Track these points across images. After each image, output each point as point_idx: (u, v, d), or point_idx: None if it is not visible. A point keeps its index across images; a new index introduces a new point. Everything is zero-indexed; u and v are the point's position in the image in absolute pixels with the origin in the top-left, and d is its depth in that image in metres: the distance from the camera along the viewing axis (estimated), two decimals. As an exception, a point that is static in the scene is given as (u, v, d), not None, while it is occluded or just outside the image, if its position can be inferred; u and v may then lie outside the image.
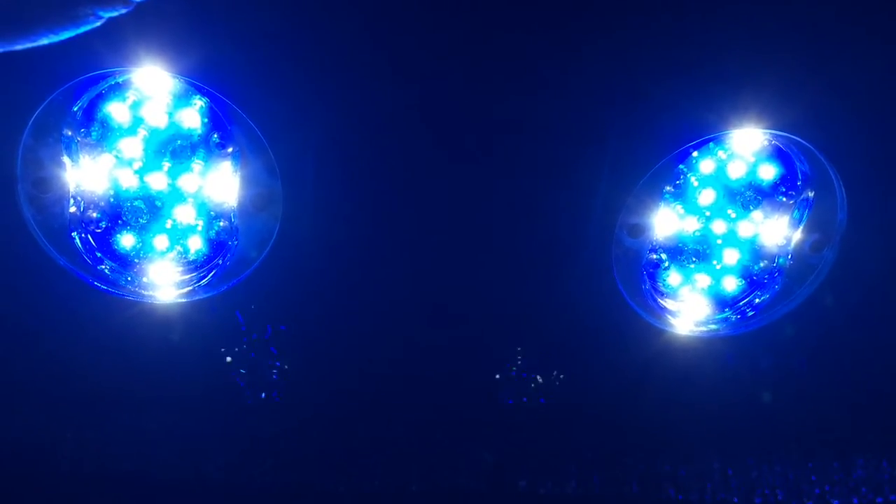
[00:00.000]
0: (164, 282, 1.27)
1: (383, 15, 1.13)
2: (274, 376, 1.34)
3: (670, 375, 1.36)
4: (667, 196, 1.30)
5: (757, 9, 1.13)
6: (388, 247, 1.27)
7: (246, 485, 1.31)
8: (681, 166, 1.29)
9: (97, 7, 0.88)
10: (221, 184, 1.23)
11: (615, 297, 1.30)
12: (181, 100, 1.20)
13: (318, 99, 1.16)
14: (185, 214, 1.24)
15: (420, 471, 1.34)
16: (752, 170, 1.29)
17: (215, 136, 1.22)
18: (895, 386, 1.39)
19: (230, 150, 1.22)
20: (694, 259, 1.35)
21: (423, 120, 1.19)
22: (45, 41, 0.89)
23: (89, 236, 1.24)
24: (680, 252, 1.35)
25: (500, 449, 1.36)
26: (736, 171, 1.29)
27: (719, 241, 1.33)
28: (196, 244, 1.26)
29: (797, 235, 1.32)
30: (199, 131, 1.21)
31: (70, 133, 1.17)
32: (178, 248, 1.26)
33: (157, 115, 1.19)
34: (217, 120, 1.21)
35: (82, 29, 0.90)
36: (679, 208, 1.31)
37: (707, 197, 1.30)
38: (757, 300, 1.36)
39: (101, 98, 1.18)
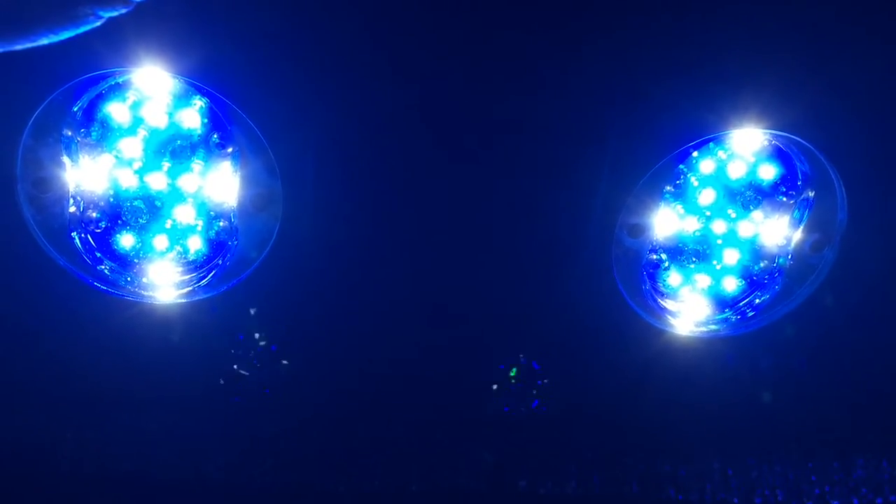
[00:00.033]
0: (164, 282, 1.27)
1: (383, 15, 1.13)
2: (274, 376, 1.34)
3: (670, 376, 1.36)
4: (667, 196, 1.30)
5: (757, 9, 1.13)
6: (388, 247, 1.27)
7: (246, 485, 1.31)
8: (681, 166, 1.29)
9: (97, 7, 0.88)
10: (221, 184, 1.23)
11: (615, 297, 1.30)
12: (181, 100, 1.20)
13: (318, 99, 1.16)
14: (184, 214, 1.24)
15: (420, 471, 1.34)
16: (753, 170, 1.29)
17: (215, 136, 1.22)
18: (895, 386, 1.39)
19: (230, 150, 1.22)
20: (694, 259, 1.35)
21: (423, 120, 1.19)
22: (44, 41, 0.89)
23: (89, 236, 1.24)
24: (680, 252, 1.35)
25: (500, 449, 1.37)
26: (736, 171, 1.29)
27: (719, 242, 1.33)
28: (196, 244, 1.26)
29: (797, 235, 1.32)
30: (199, 131, 1.21)
31: (70, 133, 1.17)
32: (178, 248, 1.26)
33: (156, 116, 1.19)
34: (217, 120, 1.21)
35: (82, 29, 0.90)
36: (679, 208, 1.31)
37: (707, 197, 1.30)
38: (757, 300, 1.36)
39: (101, 98, 1.18)
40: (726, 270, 1.35)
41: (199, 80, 1.14)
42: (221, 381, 1.32)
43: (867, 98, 1.18)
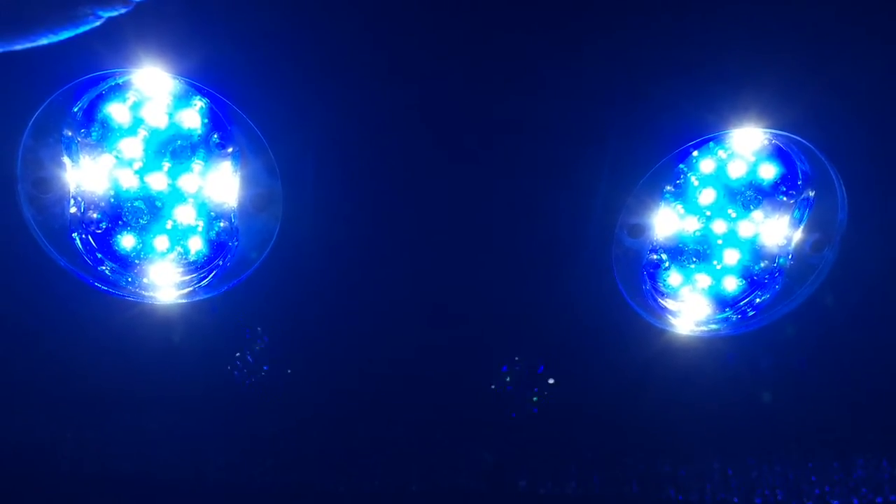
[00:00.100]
0: (165, 282, 1.27)
1: (383, 15, 1.13)
2: (274, 376, 1.34)
3: (670, 375, 1.36)
4: (667, 196, 1.29)
5: (757, 9, 1.13)
6: (388, 247, 1.27)
7: (246, 485, 1.31)
8: (681, 166, 1.29)
9: (97, 7, 0.88)
10: (221, 184, 1.23)
11: (615, 297, 1.30)
12: (181, 100, 1.20)
13: (318, 99, 1.16)
14: (185, 215, 1.24)
15: (420, 471, 1.35)
16: (753, 169, 1.29)
17: (215, 136, 1.22)
18: (895, 386, 1.39)
19: (230, 150, 1.22)
20: (694, 259, 1.35)
21: (423, 120, 1.19)
22: (44, 41, 0.89)
23: (90, 237, 1.24)
24: (680, 252, 1.35)
25: (500, 449, 1.37)
26: (736, 170, 1.29)
27: (720, 241, 1.33)
28: (196, 245, 1.26)
29: (798, 235, 1.32)
30: (199, 132, 1.21)
31: (70, 133, 1.17)
32: (179, 248, 1.26)
33: (157, 116, 1.19)
34: (217, 120, 1.21)
35: (82, 29, 0.90)
36: (679, 208, 1.31)
37: (707, 197, 1.30)
38: (757, 300, 1.36)
39: (101, 99, 1.18)
40: (726, 270, 1.35)
41: (199, 80, 1.14)
42: (221, 382, 1.32)
43: (867, 98, 1.18)
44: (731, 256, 1.33)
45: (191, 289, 1.27)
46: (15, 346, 1.27)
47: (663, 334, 1.34)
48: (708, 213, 1.32)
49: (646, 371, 1.35)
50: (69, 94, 1.13)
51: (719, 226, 1.32)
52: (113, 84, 1.17)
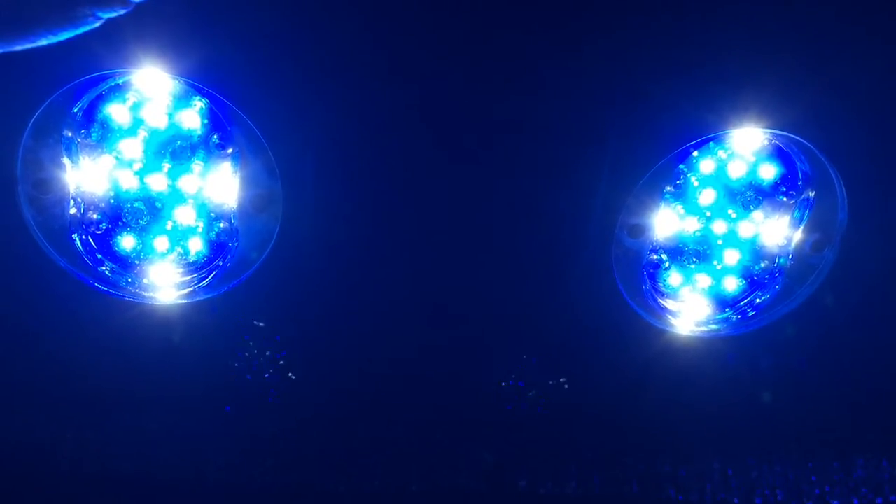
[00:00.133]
0: (165, 283, 1.27)
1: (383, 15, 1.13)
2: (274, 376, 1.34)
3: (671, 375, 1.36)
4: (667, 196, 1.29)
5: (757, 9, 1.13)
6: (389, 247, 1.27)
7: (246, 485, 1.31)
8: (681, 166, 1.29)
9: (96, 8, 0.88)
10: (221, 185, 1.23)
11: (615, 298, 1.30)
12: (181, 101, 1.20)
13: (318, 99, 1.16)
14: (185, 216, 1.24)
15: (420, 471, 1.35)
16: (753, 169, 1.29)
17: (215, 136, 1.22)
18: (895, 386, 1.39)
19: (230, 150, 1.22)
20: (694, 259, 1.35)
21: (423, 120, 1.19)
22: (44, 42, 0.89)
23: (90, 238, 1.24)
24: (680, 252, 1.34)
25: (500, 449, 1.37)
26: (736, 170, 1.29)
27: (720, 242, 1.33)
28: (196, 245, 1.26)
29: (798, 235, 1.32)
30: (199, 132, 1.21)
31: (70, 134, 1.17)
32: (179, 249, 1.26)
33: (157, 117, 1.19)
34: (217, 121, 1.21)
35: (81, 30, 0.90)
36: (679, 208, 1.31)
37: (707, 197, 1.30)
38: (757, 300, 1.36)
39: (101, 99, 1.18)
40: (727, 270, 1.35)
41: (198, 80, 1.14)
42: (221, 382, 1.32)
43: (867, 98, 1.18)
44: (732, 257, 1.33)
45: (191, 289, 1.27)
46: (15, 346, 1.27)
47: (663, 334, 1.34)
48: (708, 214, 1.32)
49: (646, 371, 1.35)
50: (69, 95, 1.13)
51: (719, 226, 1.32)
52: (113, 84, 1.17)
